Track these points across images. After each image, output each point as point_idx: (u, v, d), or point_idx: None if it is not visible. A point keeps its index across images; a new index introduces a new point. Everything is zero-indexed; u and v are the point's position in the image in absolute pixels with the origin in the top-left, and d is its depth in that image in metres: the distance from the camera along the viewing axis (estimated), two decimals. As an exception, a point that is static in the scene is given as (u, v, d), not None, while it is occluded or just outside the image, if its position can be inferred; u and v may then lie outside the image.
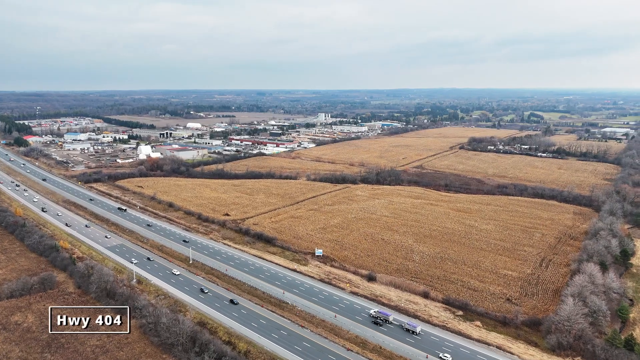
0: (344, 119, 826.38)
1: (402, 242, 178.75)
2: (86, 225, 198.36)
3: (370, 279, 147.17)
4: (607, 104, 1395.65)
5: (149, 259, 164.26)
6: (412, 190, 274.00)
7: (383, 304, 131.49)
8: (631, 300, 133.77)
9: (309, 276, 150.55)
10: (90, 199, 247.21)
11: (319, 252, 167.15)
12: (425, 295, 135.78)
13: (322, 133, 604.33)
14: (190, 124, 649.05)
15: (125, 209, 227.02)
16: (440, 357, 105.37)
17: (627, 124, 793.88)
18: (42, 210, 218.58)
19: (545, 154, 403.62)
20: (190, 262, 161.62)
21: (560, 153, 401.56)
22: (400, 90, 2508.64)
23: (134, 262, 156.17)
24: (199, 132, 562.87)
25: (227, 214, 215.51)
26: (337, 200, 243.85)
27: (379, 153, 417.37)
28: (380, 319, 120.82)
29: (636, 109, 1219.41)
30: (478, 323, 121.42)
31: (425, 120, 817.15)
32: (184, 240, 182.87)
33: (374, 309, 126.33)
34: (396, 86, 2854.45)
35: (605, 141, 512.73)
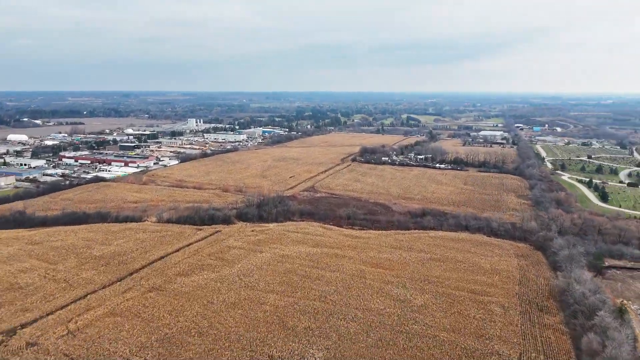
0: (220, 125, 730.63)
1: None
2: None
3: None
4: (468, 106, 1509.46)
5: None
6: (307, 230, 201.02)
7: None
8: None
9: None
10: None
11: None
12: None
13: (191, 143, 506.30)
14: (12, 136, 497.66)
15: None
16: None
17: (497, 126, 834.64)
18: None
19: (443, 165, 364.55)
20: None
21: (459, 163, 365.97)
22: (281, 93, 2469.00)
23: None
24: (22, 148, 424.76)
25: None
26: (198, 263, 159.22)
27: (260, 170, 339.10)
28: None
29: (494, 110, 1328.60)
30: None
31: (309, 126, 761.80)
32: None
33: None
34: (277, 89, 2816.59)
35: (490, 146, 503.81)
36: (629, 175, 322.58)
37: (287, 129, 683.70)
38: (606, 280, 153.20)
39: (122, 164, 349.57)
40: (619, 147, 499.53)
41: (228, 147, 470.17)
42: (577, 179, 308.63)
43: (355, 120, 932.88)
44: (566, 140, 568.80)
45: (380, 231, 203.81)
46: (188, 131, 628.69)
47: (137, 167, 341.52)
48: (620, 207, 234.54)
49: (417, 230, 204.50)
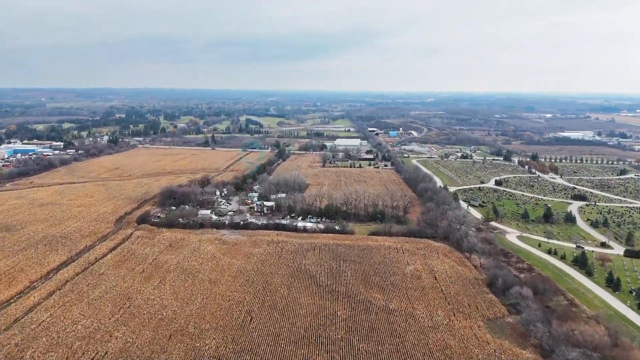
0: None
1: None
2: None
3: None
4: (309, 105, 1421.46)
5: None
6: None
7: None
8: None
9: None
10: None
11: None
12: None
13: None
14: None
15: None
16: None
17: (349, 130, 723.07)
18: None
19: (310, 223, 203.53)
20: None
21: (334, 216, 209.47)
22: (100, 89, 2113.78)
23: None
24: None
25: None
26: None
27: None
28: None
29: (336, 110, 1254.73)
30: None
31: (106, 136, 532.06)
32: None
33: None
34: (100, 84, 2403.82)
35: (359, 165, 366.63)
36: (593, 223, 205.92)
37: (65, 145, 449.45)
38: None
39: None
40: (502, 159, 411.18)
41: None
42: (539, 244, 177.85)
43: (179, 125, 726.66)
44: (440, 152, 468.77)
45: None
46: None
47: None
48: None
49: None
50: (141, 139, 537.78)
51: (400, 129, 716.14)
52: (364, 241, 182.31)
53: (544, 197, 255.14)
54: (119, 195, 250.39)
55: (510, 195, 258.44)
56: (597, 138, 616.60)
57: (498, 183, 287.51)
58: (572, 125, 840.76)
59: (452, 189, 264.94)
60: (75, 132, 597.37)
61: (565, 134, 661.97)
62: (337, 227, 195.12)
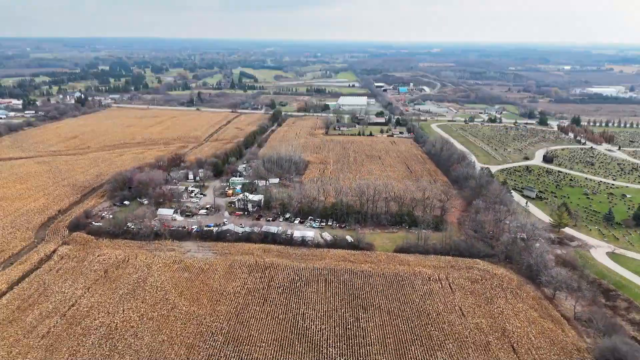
0: None
1: None
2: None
3: None
4: (309, 57, 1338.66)
5: None
6: None
7: None
8: None
9: None
10: None
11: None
12: None
13: None
14: None
15: None
16: None
17: (353, 85, 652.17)
18: None
19: (311, 232, 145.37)
20: None
21: (346, 219, 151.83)
22: (91, 39, 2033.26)
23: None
24: None
25: None
26: None
27: None
28: None
29: (337, 62, 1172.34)
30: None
31: (78, 93, 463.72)
32: None
33: None
34: (90, 34, 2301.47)
35: (370, 133, 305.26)
36: None
37: (24, 105, 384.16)
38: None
39: None
40: (537, 123, 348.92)
41: None
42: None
43: (165, 81, 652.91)
44: (462, 113, 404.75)
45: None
46: None
47: None
48: None
49: None
50: (117, 96, 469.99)
51: (411, 84, 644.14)
52: (390, 265, 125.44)
53: (614, 182, 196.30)
54: (62, 179, 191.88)
55: (571, 179, 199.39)
56: (633, 95, 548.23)
57: (548, 160, 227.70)
58: (596, 78, 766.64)
59: (492, 169, 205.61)
60: (46, 88, 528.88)
61: (595, 89, 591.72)
62: (349, 238, 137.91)
